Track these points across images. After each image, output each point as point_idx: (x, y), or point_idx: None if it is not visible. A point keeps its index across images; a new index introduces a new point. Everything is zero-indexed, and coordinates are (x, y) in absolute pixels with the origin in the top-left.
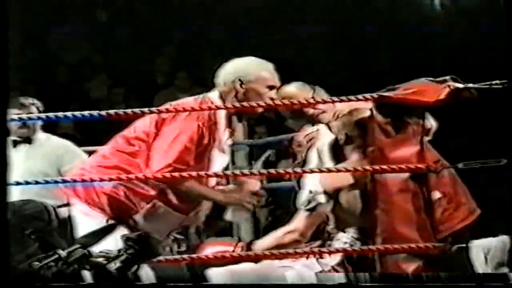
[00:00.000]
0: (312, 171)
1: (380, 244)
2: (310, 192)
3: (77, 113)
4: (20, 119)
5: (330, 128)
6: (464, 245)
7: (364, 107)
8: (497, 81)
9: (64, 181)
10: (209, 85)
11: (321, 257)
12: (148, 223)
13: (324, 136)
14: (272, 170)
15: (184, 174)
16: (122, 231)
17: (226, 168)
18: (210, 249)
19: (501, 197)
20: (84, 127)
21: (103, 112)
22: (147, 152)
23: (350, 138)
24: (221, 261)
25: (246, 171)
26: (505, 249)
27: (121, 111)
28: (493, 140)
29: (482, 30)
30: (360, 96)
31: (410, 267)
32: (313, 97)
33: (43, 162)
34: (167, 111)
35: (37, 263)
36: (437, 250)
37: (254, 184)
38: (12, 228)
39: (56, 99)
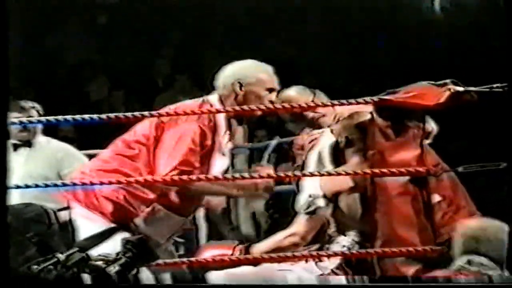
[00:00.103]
0: (312, 175)
1: (380, 247)
2: (310, 195)
3: (77, 117)
4: (20, 122)
5: (331, 132)
6: None
7: (364, 110)
8: (498, 84)
9: (64, 185)
10: (209, 88)
11: (320, 261)
12: (149, 226)
13: (325, 139)
14: (272, 173)
15: (184, 177)
16: (122, 234)
17: (226, 171)
18: (209, 252)
19: (501, 201)
20: (84, 131)
21: (104, 116)
22: (148, 155)
23: (350, 142)
24: (220, 264)
25: (246, 174)
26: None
27: (121, 115)
28: (493, 143)
29: (483, 33)
30: (360, 100)
31: (410, 270)
32: (313, 101)
33: (43, 166)
34: (167, 114)
35: (36, 266)
36: (436, 253)
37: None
38: (12, 232)
39: (56, 102)
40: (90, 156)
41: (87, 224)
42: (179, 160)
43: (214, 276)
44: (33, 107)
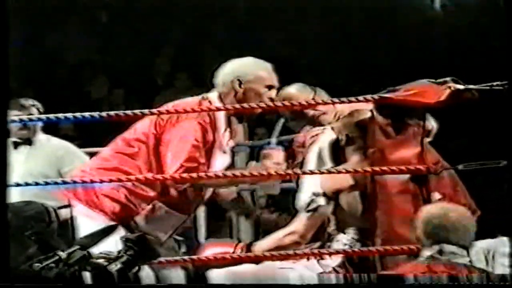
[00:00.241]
0: (312, 173)
1: (380, 245)
2: (311, 194)
3: (77, 115)
4: (21, 120)
5: (332, 129)
6: None
7: (364, 108)
8: (498, 82)
9: (64, 183)
10: (209, 86)
11: (322, 258)
12: (149, 224)
13: (326, 137)
14: (272, 171)
15: (185, 175)
16: (122, 232)
17: (227, 169)
18: (210, 250)
19: (501, 199)
20: (85, 129)
21: (104, 114)
22: (147, 153)
23: (351, 139)
24: (221, 262)
25: (246, 172)
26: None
27: (121, 113)
28: (493, 141)
29: (483, 31)
30: (360, 98)
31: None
32: (313, 99)
33: (43, 164)
34: (167, 112)
35: (37, 264)
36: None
37: (276, 155)
38: (12, 229)
39: (56, 100)
40: (90, 154)
41: (87, 222)
42: (184, 158)
43: (215, 274)
44: (33, 105)
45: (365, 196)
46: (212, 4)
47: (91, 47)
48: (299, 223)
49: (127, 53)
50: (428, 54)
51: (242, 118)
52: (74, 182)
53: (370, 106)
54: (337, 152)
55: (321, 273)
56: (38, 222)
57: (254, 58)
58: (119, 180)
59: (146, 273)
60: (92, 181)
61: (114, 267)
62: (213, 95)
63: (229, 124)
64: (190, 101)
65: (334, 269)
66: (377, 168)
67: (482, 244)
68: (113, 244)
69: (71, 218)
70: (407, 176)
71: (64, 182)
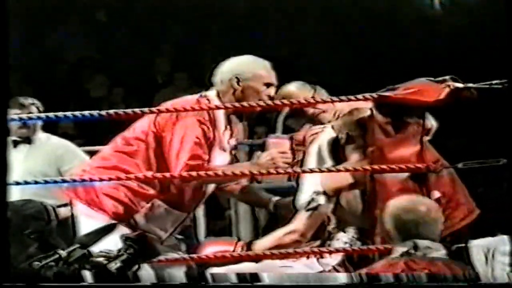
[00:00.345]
0: (312, 171)
1: (379, 243)
2: (311, 192)
3: (77, 113)
4: (20, 119)
5: (332, 128)
6: (463, 244)
7: (364, 106)
8: (497, 81)
9: (63, 181)
10: (208, 85)
11: (322, 257)
12: (149, 222)
13: (325, 135)
14: (272, 170)
15: (185, 174)
16: (122, 230)
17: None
18: (210, 249)
19: (500, 197)
20: (84, 127)
21: (103, 112)
22: (146, 152)
23: (351, 138)
24: (221, 260)
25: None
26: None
27: (121, 111)
28: (493, 140)
29: (482, 29)
30: (360, 96)
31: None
32: (313, 97)
33: (43, 162)
34: (167, 110)
35: (37, 263)
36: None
37: (282, 144)
38: (12, 228)
39: (56, 99)
40: (90, 153)
41: (88, 221)
42: (187, 156)
43: (215, 273)
44: (33, 104)
45: (365, 194)
46: (212, 4)
47: (90, 46)
48: (299, 222)
49: (127, 52)
50: (427, 53)
51: (242, 117)
52: (74, 181)
53: (370, 104)
54: (337, 151)
55: (321, 271)
56: (37, 221)
57: (252, 56)
58: (119, 179)
59: (146, 272)
60: (91, 180)
61: (114, 265)
62: (211, 93)
63: (229, 122)
64: (188, 100)
65: (334, 267)
66: (376, 167)
67: (482, 243)
68: (113, 242)
69: (72, 217)
70: (406, 174)
71: (64, 181)
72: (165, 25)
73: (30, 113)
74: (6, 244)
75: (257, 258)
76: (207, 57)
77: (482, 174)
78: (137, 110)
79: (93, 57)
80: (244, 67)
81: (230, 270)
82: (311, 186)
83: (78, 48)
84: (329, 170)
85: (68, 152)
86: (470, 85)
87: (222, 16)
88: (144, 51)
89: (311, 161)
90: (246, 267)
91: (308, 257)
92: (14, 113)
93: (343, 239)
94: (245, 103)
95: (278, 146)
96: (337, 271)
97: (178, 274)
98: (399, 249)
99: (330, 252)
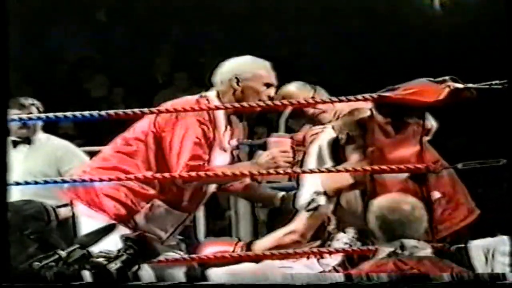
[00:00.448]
0: (312, 171)
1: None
2: (312, 193)
3: (77, 113)
4: (20, 119)
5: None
6: (463, 245)
7: (364, 107)
8: (497, 81)
9: (63, 182)
10: (208, 85)
11: (322, 257)
12: (149, 223)
13: (325, 136)
14: (272, 170)
15: (185, 174)
16: (122, 231)
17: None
18: (210, 249)
19: (500, 197)
20: (84, 127)
21: (103, 113)
22: (146, 152)
23: (351, 138)
24: (221, 261)
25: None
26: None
27: (121, 111)
28: (492, 140)
29: (482, 30)
30: (360, 96)
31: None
32: (313, 97)
33: (43, 163)
34: (167, 111)
35: (37, 263)
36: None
37: (283, 143)
38: (12, 228)
39: (56, 99)
40: (90, 153)
41: (88, 221)
42: (188, 156)
43: (214, 273)
44: (33, 104)
45: (365, 195)
46: (212, 4)
47: (91, 46)
48: (299, 222)
49: (127, 52)
50: (427, 53)
51: (242, 117)
52: (74, 181)
53: (370, 105)
54: (337, 151)
55: (321, 272)
56: (37, 221)
57: (252, 56)
58: (119, 179)
59: (146, 272)
60: (91, 180)
61: (114, 266)
62: (211, 94)
63: (229, 122)
64: (188, 100)
65: (334, 268)
66: (376, 167)
67: (482, 243)
68: (113, 243)
69: (72, 217)
70: (406, 174)
71: (64, 181)
72: (165, 25)
73: (30, 113)
74: (6, 244)
75: (257, 259)
76: (207, 57)
77: (482, 174)
78: (137, 110)
79: (93, 57)
80: (244, 67)
81: (230, 270)
82: (311, 187)
83: (78, 48)
84: (329, 171)
85: (68, 153)
86: (470, 85)
87: (222, 16)
88: (144, 51)
89: (311, 162)
90: (246, 267)
91: (308, 258)
92: (14, 114)
93: (343, 239)
94: (245, 103)
95: (279, 145)
96: (337, 271)
97: (178, 274)
98: (386, 249)
99: (330, 253)
